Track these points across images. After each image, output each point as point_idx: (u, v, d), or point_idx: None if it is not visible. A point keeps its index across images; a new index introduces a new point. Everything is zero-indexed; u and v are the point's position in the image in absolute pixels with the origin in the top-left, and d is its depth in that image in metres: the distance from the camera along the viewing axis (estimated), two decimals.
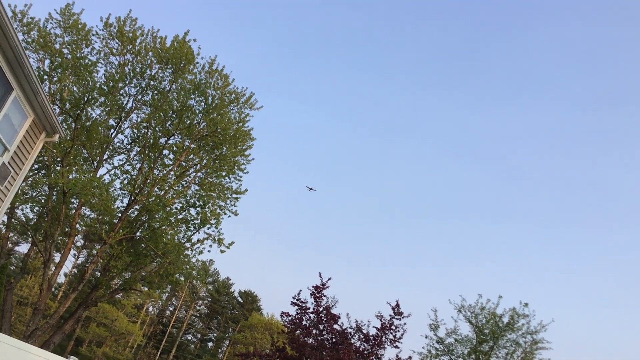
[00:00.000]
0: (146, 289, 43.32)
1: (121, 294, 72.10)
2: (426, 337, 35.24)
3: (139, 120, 32.88)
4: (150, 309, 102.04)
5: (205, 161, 33.73)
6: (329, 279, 28.26)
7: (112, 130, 32.36)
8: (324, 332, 26.32)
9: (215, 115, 32.53)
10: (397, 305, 27.52)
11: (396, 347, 25.96)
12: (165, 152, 32.92)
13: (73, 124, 29.23)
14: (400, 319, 26.26)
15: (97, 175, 30.66)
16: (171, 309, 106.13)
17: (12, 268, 66.49)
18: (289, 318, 26.72)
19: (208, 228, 31.73)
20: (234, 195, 34.00)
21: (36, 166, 30.38)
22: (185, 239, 31.71)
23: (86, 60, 29.58)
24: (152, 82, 32.13)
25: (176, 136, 32.99)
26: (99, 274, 34.72)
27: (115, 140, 32.69)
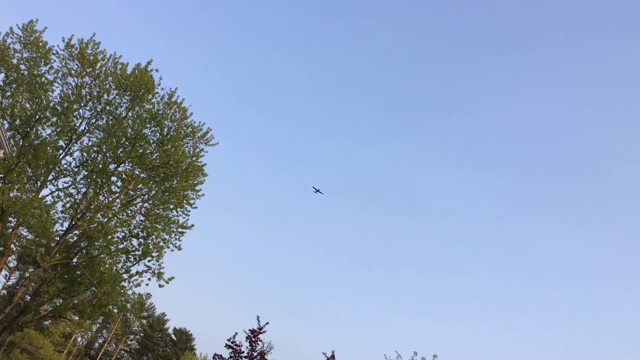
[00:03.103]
0: (77, 318, 42.51)
1: (50, 321, 69.86)
2: None
3: (90, 143, 33.04)
4: (79, 339, 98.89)
5: (154, 192, 33.90)
6: (267, 324, 28.64)
7: (61, 151, 32.37)
8: None
9: (169, 146, 32.96)
10: (333, 356, 28.03)
11: None
12: (114, 178, 33.03)
13: (21, 141, 29.24)
14: None
15: (40, 196, 30.49)
16: (101, 341, 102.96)
17: None
18: None
19: (149, 260, 31.74)
20: (180, 230, 34.09)
21: None
22: (124, 270, 31.61)
23: (43, 79, 29.81)
24: (108, 107, 32.47)
25: (127, 164, 33.20)
26: (28, 297, 34.07)
27: (63, 161, 32.70)
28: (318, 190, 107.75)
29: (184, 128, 34.12)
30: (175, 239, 33.66)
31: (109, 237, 31.40)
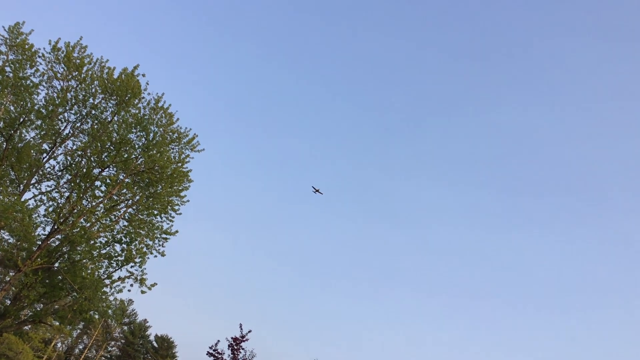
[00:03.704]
0: (57, 323, 42.20)
1: (29, 326, 69.23)
2: None
3: (74, 147, 32.95)
4: (59, 345, 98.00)
5: (138, 197, 33.84)
6: (249, 332, 28.72)
7: (45, 154, 32.27)
8: None
9: (154, 152, 32.97)
10: None
11: None
12: (98, 183, 32.91)
13: (4, 143, 29.13)
14: None
15: (22, 199, 30.34)
16: (81, 347, 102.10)
17: None
18: None
19: (131, 266, 31.63)
20: (164, 235, 34.01)
21: None
22: (106, 276, 31.48)
23: (28, 81, 29.74)
24: (93, 111, 32.43)
25: (111, 168, 33.13)
26: (8, 302, 33.77)
27: (47, 165, 32.60)
28: (317, 191, 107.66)
29: (170, 133, 34.14)
30: (159, 245, 33.59)
31: (92, 242, 31.29)
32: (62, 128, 32.38)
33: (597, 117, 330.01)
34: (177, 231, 34.32)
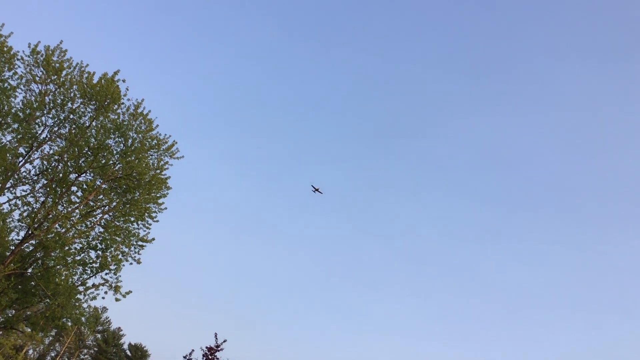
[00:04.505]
0: (29, 330, 41.64)
1: (1, 333, 68.13)
2: None
3: (51, 152, 32.77)
4: (31, 352, 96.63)
5: (114, 203, 33.72)
6: (224, 341, 28.67)
7: (21, 158, 32.05)
8: None
9: (133, 158, 32.94)
10: None
11: None
12: (74, 188, 32.78)
13: None
14: None
15: None
16: (53, 354, 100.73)
17: None
18: None
19: (106, 273, 31.45)
20: (140, 243, 33.88)
21: None
22: (80, 282, 31.27)
23: (6, 84, 29.61)
24: (71, 116, 32.35)
25: (88, 174, 33.01)
26: None
27: (22, 169, 32.34)
28: (317, 190, 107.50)
29: (149, 140, 34.14)
30: (135, 252, 33.44)
31: (66, 248, 31.09)
32: (39, 132, 32.23)
33: (579, 129, 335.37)
34: (153, 239, 34.24)
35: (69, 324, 32.66)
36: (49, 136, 32.50)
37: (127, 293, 31.47)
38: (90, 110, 32.67)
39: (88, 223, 33.16)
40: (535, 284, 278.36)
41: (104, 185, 33.22)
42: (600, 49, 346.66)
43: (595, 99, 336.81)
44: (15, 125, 30.52)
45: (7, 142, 31.08)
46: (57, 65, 31.33)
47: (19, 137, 31.18)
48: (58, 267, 30.79)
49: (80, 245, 32.45)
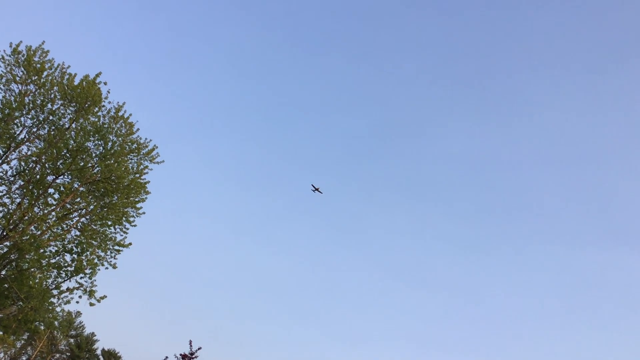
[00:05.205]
0: (1, 333, 41.22)
1: None
2: None
3: (29, 153, 32.56)
4: (2, 355, 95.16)
5: (92, 207, 33.56)
6: (199, 349, 28.64)
7: None
8: None
9: (112, 161, 32.86)
10: None
11: None
12: (51, 190, 32.56)
13: None
14: None
15: None
16: (24, 358, 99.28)
17: None
18: None
19: (81, 277, 31.25)
20: (116, 247, 33.69)
21: None
22: (54, 286, 31.06)
23: None
24: (51, 117, 32.21)
25: (66, 176, 32.83)
26: None
27: None
28: (317, 189, 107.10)
29: (129, 143, 34.07)
30: (111, 257, 33.24)
31: (41, 250, 30.86)
32: (18, 132, 32.03)
33: (556, 143, 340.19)
34: (130, 243, 34.07)
35: (42, 327, 32.44)
36: (27, 137, 32.31)
37: (102, 298, 31.29)
38: (70, 112, 32.56)
39: (64, 226, 32.96)
40: (514, 298, 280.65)
41: (81, 188, 33.07)
42: (582, 60, 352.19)
43: (575, 109, 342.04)
44: None
45: None
46: (39, 65, 31.22)
47: None
48: (32, 269, 30.57)
49: (56, 248, 32.25)
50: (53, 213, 32.41)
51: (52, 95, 31.95)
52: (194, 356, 28.23)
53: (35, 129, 32.38)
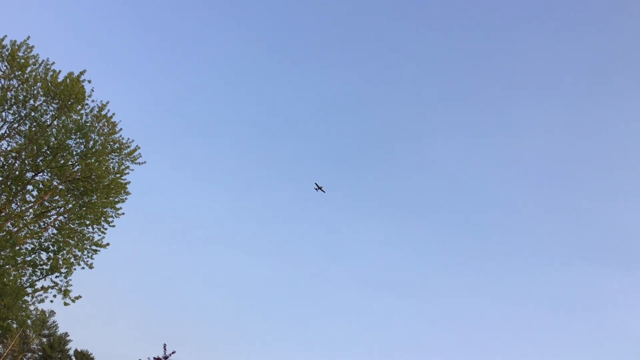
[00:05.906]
0: None
1: None
2: None
3: (8, 148, 32.33)
4: None
5: (70, 205, 33.36)
6: (173, 352, 28.59)
7: None
8: None
9: (93, 160, 32.73)
10: None
11: None
12: (30, 187, 32.32)
13: None
14: None
15: None
16: None
17: None
18: None
19: (56, 276, 31.07)
20: (94, 247, 33.51)
21: None
22: (28, 284, 30.82)
23: None
24: (33, 113, 32.05)
25: (45, 173, 32.65)
26: None
27: None
28: (320, 188, 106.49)
29: (111, 143, 33.99)
30: (88, 257, 33.08)
31: (17, 247, 30.64)
32: None
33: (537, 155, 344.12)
34: (108, 244, 33.93)
35: (14, 325, 32.10)
36: (7, 132, 32.11)
37: (77, 298, 31.14)
38: (52, 108, 32.44)
39: (41, 223, 32.76)
40: (493, 313, 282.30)
41: (60, 186, 32.90)
42: (568, 81, 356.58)
43: (561, 127, 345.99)
44: None
45: None
46: (23, 61, 31.09)
47: None
48: (7, 266, 30.30)
49: (32, 246, 32.03)
50: (31, 210, 32.21)
51: (35, 92, 31.81)
52: (167, 359, 28.16)
53: (16, 125, 32.19)
